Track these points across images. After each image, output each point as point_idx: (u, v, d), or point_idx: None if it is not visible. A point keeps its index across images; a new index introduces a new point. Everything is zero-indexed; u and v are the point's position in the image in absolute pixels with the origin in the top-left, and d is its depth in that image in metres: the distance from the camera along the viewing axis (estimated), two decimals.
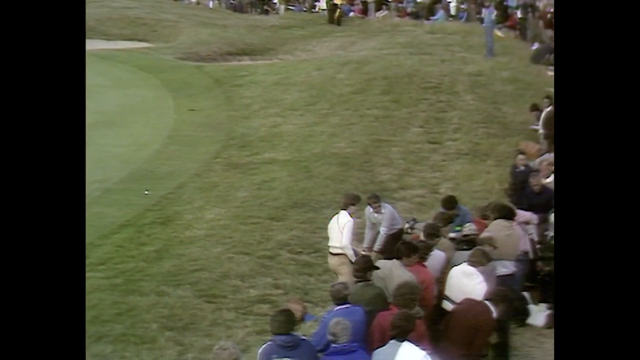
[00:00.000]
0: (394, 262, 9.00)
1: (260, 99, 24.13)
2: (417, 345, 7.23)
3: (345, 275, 11.10)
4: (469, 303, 8.56)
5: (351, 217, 11.27)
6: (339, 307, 8.04)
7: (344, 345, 7.19)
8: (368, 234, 12.13)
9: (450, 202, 11.63)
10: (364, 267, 8.79)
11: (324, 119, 21.38)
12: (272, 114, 22.41)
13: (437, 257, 9.67)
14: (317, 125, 20.81)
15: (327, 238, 13.51)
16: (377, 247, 11.74)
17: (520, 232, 10.84)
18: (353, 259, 11.07)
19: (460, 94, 22.46)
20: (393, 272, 8.83)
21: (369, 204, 11.85)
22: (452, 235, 10.81)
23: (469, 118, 20.37)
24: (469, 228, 10.70)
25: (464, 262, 9.25)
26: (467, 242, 10.24)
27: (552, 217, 11.92)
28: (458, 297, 8.80)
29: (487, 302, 8.43)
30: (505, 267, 10.33)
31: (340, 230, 11.32)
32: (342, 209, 11.47)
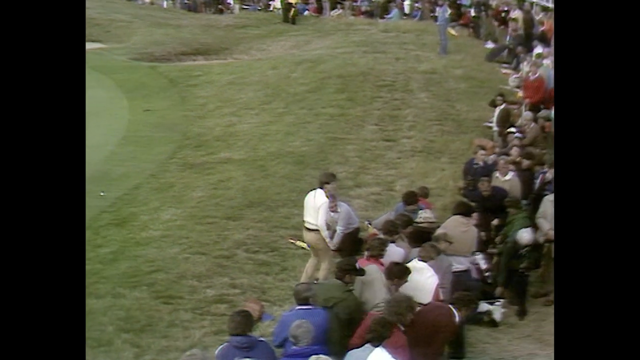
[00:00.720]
0: (382, 276, 8.90)
1: (216, 99, 24.02)
2: (390, 354, 7.20)
3: (322, 252, 11.45)
4: (434, 304, 8.64)
5: (327, 196, 11.31)
6: (300, 307, 8.03)
7: (305, 349, 7.19)
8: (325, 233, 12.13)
9: (410, 197, 11.69)
10: (345, 269, 8.75)
11: (279, 118, 21.34)
12: (227, 113, 22.31)
13: (395, 253, 9.68)
14: (272, 124, 20.76)
15: (283, 237, 13.60)
16: (333, 245, 11.75)
17: (476, 230, 10.93)
18: (328, 239, 11.33)
19: (414, 91, 22.55)
20: (374, 284, 8.81)
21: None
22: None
23: (423, 116, 20.45)
24: (422, 216, 10.74)
25: (416, 257, 9.31)
26: (422, 235, 10.27)
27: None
28: (410, 293, 8.76)
29: (450, 306, 8.47)
30: (460, 264, 10.41)
31: (316, 209, 11.41)
32: (319, 187, 11.56)
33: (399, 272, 8.84)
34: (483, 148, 14.17)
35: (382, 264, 9.19)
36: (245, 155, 18.54)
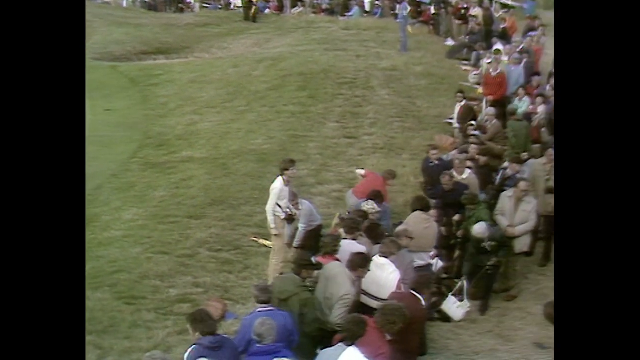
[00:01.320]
0: (346, 270, 8.85)
1: (177, 98, 23.88)
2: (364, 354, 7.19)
3: (274, 241, 11.70)
4: (398, 296, 8.58)
5: (285, 183, 11.45)
6: (261, 309, 7.97)
7: (270, 346, 7.17)
8: (287, 230, 12.13)
9: (375, 195, 11.70)
10: (301, 264, 8.77)
11: (241, 116, 21.28)
12: (188, 112, 22.19)
13: (350, 249, 9.63)
14: (234, 123, 20.70)
15: (246, 235, 13.59)
16: (295, 243, 11.76)
17: (436, 226, 10.96)
18: (273, 225, 11.51)
19: (375, 89, 22.60)
20: (338, 279, 8.78)
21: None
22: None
23: (384, 112, 20.52)
24: (366, 207, 10.75)
25: (377, 254, 9.29)
26: (377, 229, 10.30)
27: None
28: (373, 289, 8.86)
29: (414, 293, 8.47)
30: (422, 259, 10.45)
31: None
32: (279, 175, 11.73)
33: (361, 262, 8.81)
34: (435, 147, 14.12)
35: (338, 260, 9.19)
36: (207, 153, 18.47)
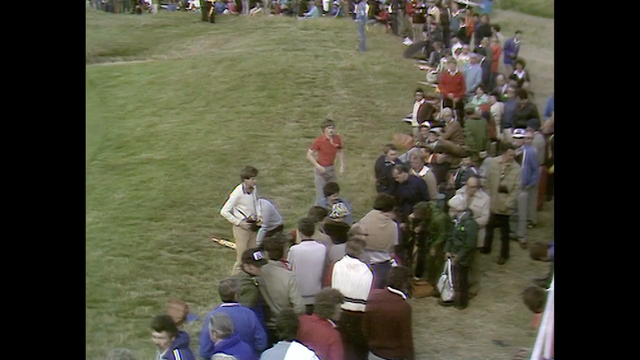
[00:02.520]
0: (270, 262, 8.90)
1: (135, 99, 23.72)
2: (308, 348, 7.22)
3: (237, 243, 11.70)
4: (379, 296, 8.63)
5: (245, 190, 11.35)
6: (225, 305, 7.95)
7: (229, 339, 7.24)
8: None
9: (332, 188, 11.69)
10: (244, 260, 8.78)
11: (200, 116, 21.20)
12: (147, 113, 22.05)
13: (308, 250, 9.61)
14: (193, 123, 20.62)
15: (206, 236, 13.53)
16: (257, 243, 11.73)
17: (395, 225, 10.93)
18: (236, 221, 11.44)
19: (334, 88, 22.67)
20: (270, 272, 8.81)
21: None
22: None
23: (343, 112, 20.58)
24: (337, 211, 10.73)
25: (346, 254, 9.22)
26: (341, 229, 10.30)
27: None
28: (348, 290, 8.79)
29: (393, 290, 8.51)
30: (378, 257, 10.43)
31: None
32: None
33: (272, 246, 9.05)
34: (393, 148, 14.13)
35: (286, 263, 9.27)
36: (166, 155, 18.37)
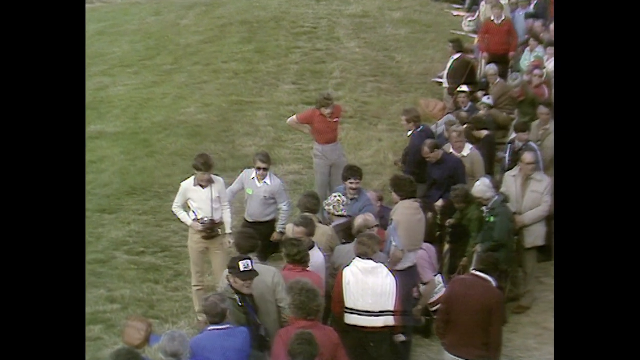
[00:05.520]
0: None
1: None
2: None
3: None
4: (464, 283, 8.92)
5: (197, 183, 11.17)
6: (214, 327, 7.87)
7: None
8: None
9: (351, 171, 11.53)
10: (228, 268, 8.69)
11: (166, 77, 21.21)
12: (96, 73, 21.89)
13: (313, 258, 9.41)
14: (157, 86, 20.61)
15: (177, 233, 13.44)
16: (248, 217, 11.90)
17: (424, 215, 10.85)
18: (186, 221, 11.37)
19: (341, 40, 22.67)
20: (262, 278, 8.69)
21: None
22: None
23: (354, 70, 20.57)
24: (332, 201, 10.66)
25: (355, 258, 9.05)
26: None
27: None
28: (368, 302, 8.74)
29: (482, 276, 8.80)
30: (407, 259, 10.32)
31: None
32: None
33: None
34: (418, 116, 13.93)
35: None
36: (122, 127, 18.30)
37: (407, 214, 10.44)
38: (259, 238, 9.53)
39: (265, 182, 11.90)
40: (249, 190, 12.03)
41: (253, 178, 11.96)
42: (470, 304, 8.67)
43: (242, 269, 8.41)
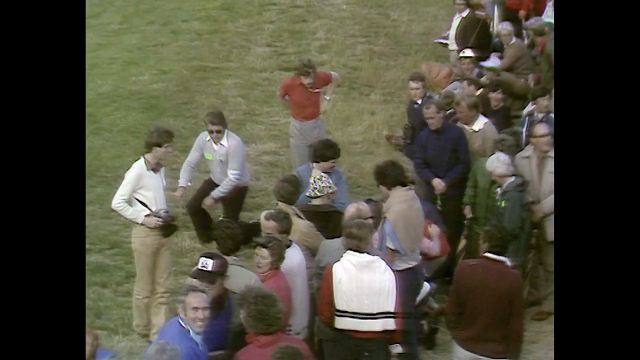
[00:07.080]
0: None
1: None
2: None
3: None
4: (477, 268, 9.20)
5: (150, 166, 10.97)
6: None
7: None
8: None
9: (325, 148, 11.64)
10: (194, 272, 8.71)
11: (114, 38, 21.29)
12: None
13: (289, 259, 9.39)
14: (103, 49, 20.59)
15: (127, 226, 13.33)
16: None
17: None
18: (137, 218, 11.09)
19: None
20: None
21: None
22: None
23: (341, 30, 20.66)
24: (318, 186, 10.57)
25: (346, 252, 9.02)
26: (323, 216, 10.34)
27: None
28: (364, 303, 8.77)
29: (496, 256, 9.12)
30: (413, 259, 10.29)
31: None
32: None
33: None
34: (421, 78, 13.91)
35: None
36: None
37: (403, 208, 10.44)
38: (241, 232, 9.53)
39: (221, 144, 12.13)
40: (208, 155, 12.38)
41: (209, 140, 12.22)
42: (487, 293, 8.86)
43: (199, 266, 8.39)
